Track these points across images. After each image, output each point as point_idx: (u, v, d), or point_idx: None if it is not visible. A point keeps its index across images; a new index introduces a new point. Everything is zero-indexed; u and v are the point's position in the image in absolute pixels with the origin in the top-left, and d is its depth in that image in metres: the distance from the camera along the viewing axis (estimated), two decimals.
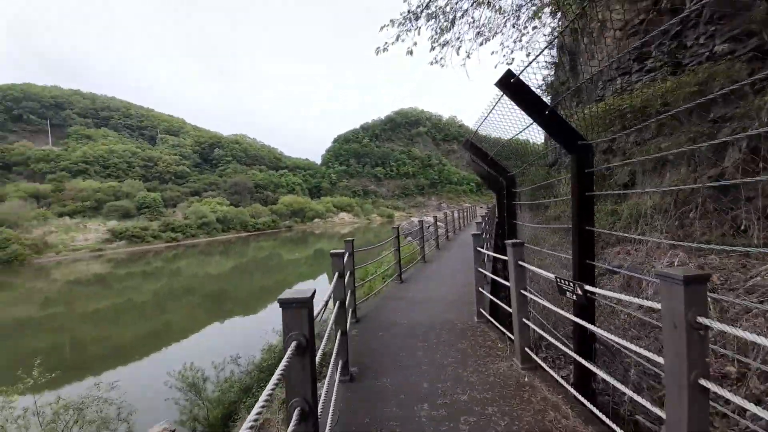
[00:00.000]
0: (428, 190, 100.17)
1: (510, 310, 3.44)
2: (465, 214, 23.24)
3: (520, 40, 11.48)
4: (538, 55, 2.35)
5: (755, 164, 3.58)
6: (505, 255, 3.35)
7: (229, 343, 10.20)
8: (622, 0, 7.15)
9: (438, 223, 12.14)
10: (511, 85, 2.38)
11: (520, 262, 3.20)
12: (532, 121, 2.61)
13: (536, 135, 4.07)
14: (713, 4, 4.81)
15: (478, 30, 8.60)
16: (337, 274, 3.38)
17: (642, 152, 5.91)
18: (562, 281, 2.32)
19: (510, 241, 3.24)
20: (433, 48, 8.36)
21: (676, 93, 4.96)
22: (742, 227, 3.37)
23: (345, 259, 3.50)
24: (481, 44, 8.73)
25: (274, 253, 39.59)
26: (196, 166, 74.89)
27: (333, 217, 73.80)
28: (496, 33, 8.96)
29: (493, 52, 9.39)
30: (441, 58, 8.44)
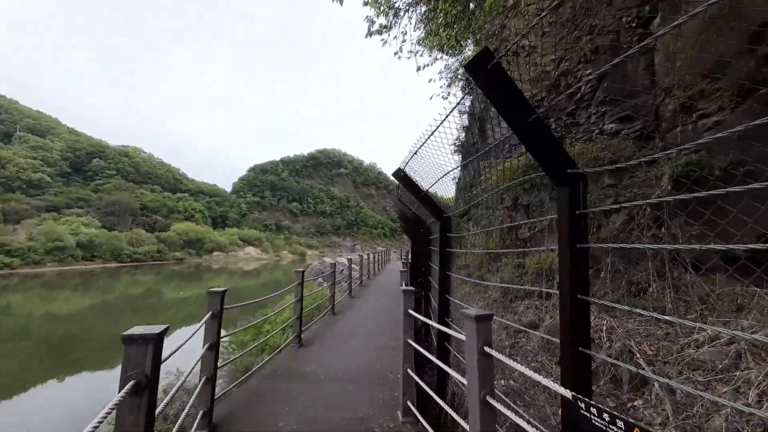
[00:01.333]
0: (344, 230, 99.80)
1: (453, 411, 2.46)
2: (380, 257, 22.97)
3: (446, 97, 12.31)
4: (454, 108, 2.26)
5: (652, 229, 3.81)
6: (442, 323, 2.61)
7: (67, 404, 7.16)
8: (527, 81, 8.18)
9: (352, 266, 11.22)
10: (487, 72, 1.53)
11: (487, 349, 1.76)
12: (509, 132, 1.82)
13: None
14: (605, 89, 5.64)
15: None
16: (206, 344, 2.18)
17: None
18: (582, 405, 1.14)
19: (472, 311, 1.83)
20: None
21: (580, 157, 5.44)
22: (645, 288, 3.41)
23: (209, 318, 2.35)
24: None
25: (155, 290, 32.88)
26: (62, 175, 61.04)
27: (237, 250, 66.66)
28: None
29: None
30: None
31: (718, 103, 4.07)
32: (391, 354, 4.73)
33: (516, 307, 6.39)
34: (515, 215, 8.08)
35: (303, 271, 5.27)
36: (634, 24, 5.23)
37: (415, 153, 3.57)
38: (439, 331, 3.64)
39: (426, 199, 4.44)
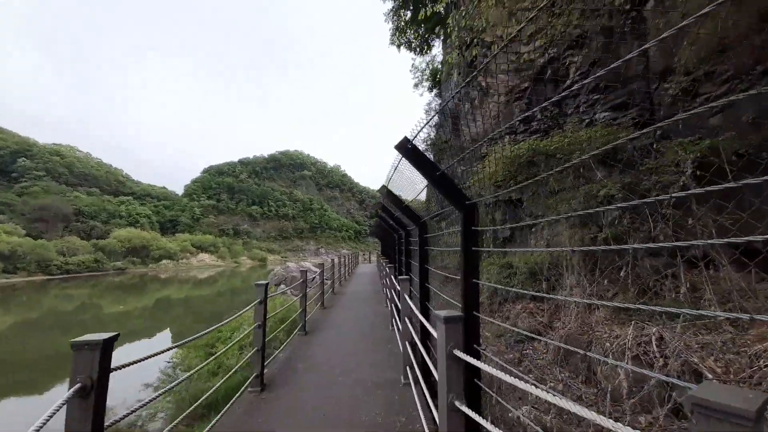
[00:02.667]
0: (307, 234, 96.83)
1: None
2: (349, 261, 21.93)
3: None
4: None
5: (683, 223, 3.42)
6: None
7: None
8: (506, 70, 7.85)
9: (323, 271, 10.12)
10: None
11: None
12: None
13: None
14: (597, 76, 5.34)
15: None
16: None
17: (530, 203, 5.90)
18: None
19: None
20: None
21: (566, 147, 5.05)
22: (682, 289, 2.96)
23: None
24: None
25: (91, 304, 29.12)
26: None
27: (190, 258, 61.78)
28: None
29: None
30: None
31: (725, 87, 3.83)
32: (387, 395, 3.82)
33: (507, 311, 5.89)
34: (495, 213, 7.68)
35: (266, 285, 4.02)
36: (627, 6, 4.96)
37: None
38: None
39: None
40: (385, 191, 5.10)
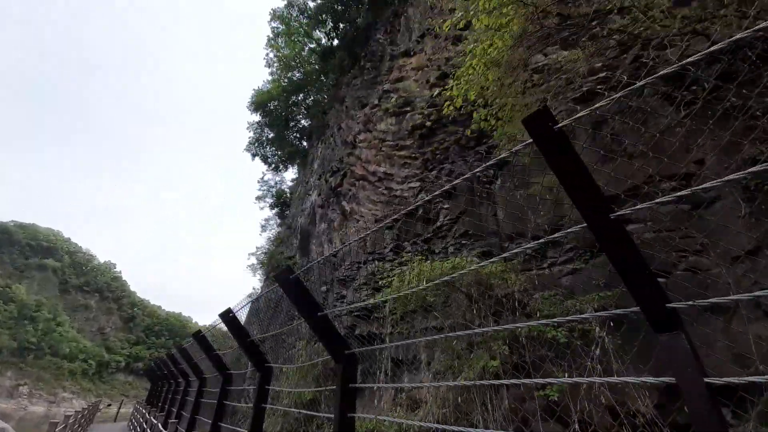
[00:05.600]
0: (6, 357, 59.89)
1: None
2: (83, 418, 12.52)
3: None
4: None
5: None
6: None
7: None
8: (376, 201, 8.23)
9: None
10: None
11: None
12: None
13: None
14: (464, 223, 5.98)
15: None
16: None
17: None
18: None
19: None
20: None
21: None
22: None
23: None
24: None
25: None
26: None
27: None
28: None
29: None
30: None
31: (570, 254, 4.74)
32: None
33: None
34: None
35: None
36: (484, 180, 6.22)
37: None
38: None
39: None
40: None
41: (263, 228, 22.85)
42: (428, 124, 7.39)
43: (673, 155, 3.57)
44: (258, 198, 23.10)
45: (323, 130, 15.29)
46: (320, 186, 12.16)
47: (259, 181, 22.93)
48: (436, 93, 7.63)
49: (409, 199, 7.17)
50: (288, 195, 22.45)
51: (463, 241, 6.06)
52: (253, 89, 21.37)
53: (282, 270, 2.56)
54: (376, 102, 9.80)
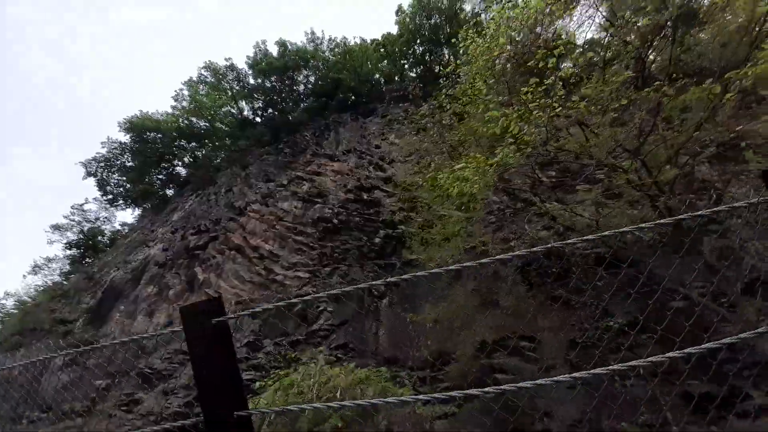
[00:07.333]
0: None
1: None
2: None
3: None
4: None
5: None
6: None
7: None
8: (246, 280, 6.75)
9: None
10: None
11: None
12: None
13: None
14: (346, 333, 5.20)
15: None
16: None
17: None
18: None
19: None
20: None
21: None
22: None
23: None
24: None
25: None
26: None
27: None
28: None
29: None
30: None
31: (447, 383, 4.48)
32: None
33: None
34: None
35: None
36: (375, 293, 6.00)
37: None
38: None
39: None
40: None
41: (35, 269, 15.79)
42: (335, 221, 7.28)
43: None
44: (55, 227, 16.66)
45: (205, 185, 13.47)
46: (171, 241, 9.70)
47: (73, 207, 16.97)
48: (350, 199, 7.90)
49: (290, 288, 6.18)
50: (106, 239, 16.99)
51: (339, 354, 5.22)
52: (139, 110, 18.31)
53: None
54: (284, 182, 9.45)
